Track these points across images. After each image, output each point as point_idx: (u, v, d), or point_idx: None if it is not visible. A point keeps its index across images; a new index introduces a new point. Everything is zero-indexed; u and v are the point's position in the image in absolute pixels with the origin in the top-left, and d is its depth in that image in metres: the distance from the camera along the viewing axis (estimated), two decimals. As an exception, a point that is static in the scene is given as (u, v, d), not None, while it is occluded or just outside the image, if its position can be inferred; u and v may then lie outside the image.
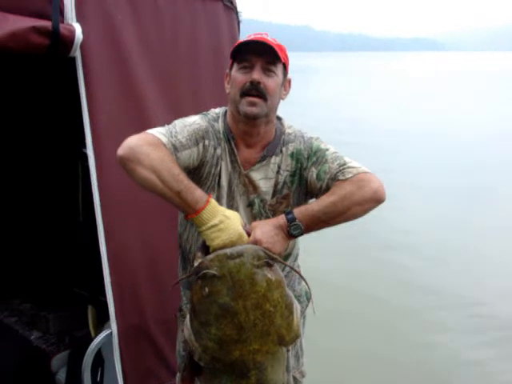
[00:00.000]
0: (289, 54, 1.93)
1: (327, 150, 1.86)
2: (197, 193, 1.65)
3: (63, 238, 3.60)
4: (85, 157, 3.46)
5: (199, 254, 1.65)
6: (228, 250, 1.56)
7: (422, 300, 5.11)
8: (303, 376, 2.17)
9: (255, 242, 1.64)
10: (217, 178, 1.87)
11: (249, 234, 1.68)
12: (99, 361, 2.54)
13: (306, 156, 1.88)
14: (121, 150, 1.64)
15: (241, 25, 3.09)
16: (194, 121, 1.86)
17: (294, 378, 2.08)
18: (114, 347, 2.38)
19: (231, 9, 2.86)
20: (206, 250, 1.65)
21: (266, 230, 1.69)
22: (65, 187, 3.66)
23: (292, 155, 1.89)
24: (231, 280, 1.53)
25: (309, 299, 2.09)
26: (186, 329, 1.63)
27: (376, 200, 1.73)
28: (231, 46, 2.83)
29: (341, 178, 1.75)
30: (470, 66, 72.08)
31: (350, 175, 1.74)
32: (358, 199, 1.71)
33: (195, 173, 1.83)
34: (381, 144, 12.62)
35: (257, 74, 1.78)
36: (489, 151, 12.42)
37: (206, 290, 1.53)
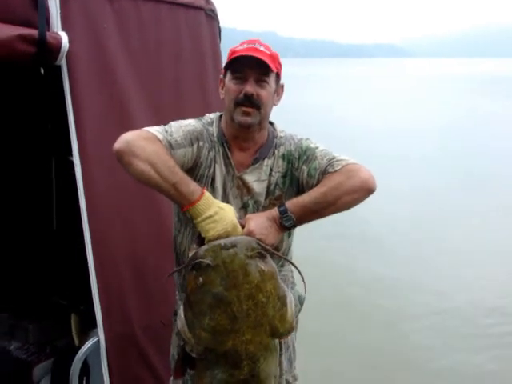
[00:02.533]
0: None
1: (317, 148, 1.93)
2: (192, 185, 1.70)
3: (38, 246, 3.56)
4: (62, 165, 3.47)
5: (194, 245, 1.69)
6: (222, 241, 1.60)
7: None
8: (296, 379, 2.18)
9: (249, 234, 1.69)
10: (210, 180, 1.92)
11: (243, 226, 1.72)
12: (84, 369, 2.53)
13: (296, 156, 1.94)
14: (117, 144, 1.68)
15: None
16: (189, 123, 1.92)
17: (287, 381, 2.09)
18: (101, 355, 2.37)
19: (212, 17, 2.90)
20: (200, 241, 1.69)
21: (260, 221, 1.73)
22: (38, 195, 3.63)
23: (283, 157, 1.95)
24: (225, 270, 1.56)
25: (302, 303, 2.12)
26: (179, 320, 1.65)
27: (366, 189, 1.78)
28: (213, 53, 2.91)
29: (330, 170, 1.81)
30: (433, 72, 73.97)
31: (339, 167, 1.80)
32: (348, 189, 1.76)
33: (189, 174, 1.85)
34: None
35: (250, 87, 1.84)
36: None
37: (200, 279, 1.56)
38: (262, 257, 1.61)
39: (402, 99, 27.45)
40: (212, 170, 1.92)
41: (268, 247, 1.66)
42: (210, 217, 1.67)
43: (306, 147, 1.94)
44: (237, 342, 1.57)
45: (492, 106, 24.73)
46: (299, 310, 2.13)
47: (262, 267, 1.59)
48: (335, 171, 1.80)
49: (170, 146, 1.77)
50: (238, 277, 1.56)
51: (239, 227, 1.70)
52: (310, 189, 1.87)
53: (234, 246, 1.58)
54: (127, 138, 1.68)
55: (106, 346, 2.38)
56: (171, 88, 2.70)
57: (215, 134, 1.95)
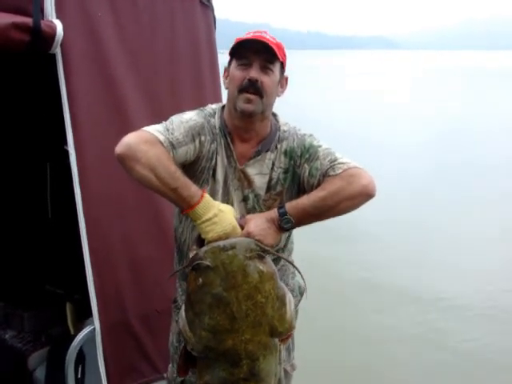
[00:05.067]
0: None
1: (319, 146, 1.91)
2: (192, 188, 1.70)
3: (33, 235, 3.56)
4: (54, 155, 3.46)
5: (194, 246, 1.71)
6: (221, 243, 1.62)
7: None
8: (294, 369, 2.21)
9: (248, 235, 1.70)
10: (211, 172, 1.91)
11: (242, 227, 1.73)
12: (80, 357, 2.54)
13: (299, 153, 1.92)
14: (119, 148, 1.67)
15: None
16: (191, 117, 1.89)
17: (285, 370, 2.11)
18: (96, 343, 2.38)
19: (207, 6, 2.88)
20: (200, 242, 1.71)
21: (259, 222, 1.74)
22: (33, 185, 3.63)
23: (286, 153, 1.93)
24: (224, 271, 1.58)
25: (302, 294, 2.15)
26: (180, 319, 1.68)
27: (366, 195, 1.78)
28: (208, 41, 2.90)
29: (331, 173, 1.80)
30: (427, 64, 74.06)
31: (340, 171, 1.79)
32: (348, 194, 1.76)
33: (190, 166, 1.87)
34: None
35: (255, 73, 1.82)
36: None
37: (200, 280, 1.59)
38: (260, 258, 1.63)
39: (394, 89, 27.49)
40: (213, 161, 1.91)
41: (267, 248, 1.67)
42: (210, 219, 1.68)
43: (308, 145, 1.92)
44: (236, 341, 1.59)
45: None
46: (299, 301, 2.15)
47: (261, 268, 1.61)
48: (336, 175, 1.79)
49: (172, 146, 1.76)
50: (237, 277, 1.58)
51: (238, 228, 1.72)
52: (310, 187, 1.87)
53: (233, 247, 1.60)
54: (129, 142, 1.67)
55: (102, 335, 2.39)
56: (166, 76, 2.69)
57: (217, 126, 1.93)
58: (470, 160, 11.28)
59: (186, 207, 1.69)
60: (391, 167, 10.01)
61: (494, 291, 5.45)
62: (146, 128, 1.77)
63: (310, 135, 1.97)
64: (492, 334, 4.62)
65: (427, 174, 10.08)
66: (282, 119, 2.02)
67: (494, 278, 5.76)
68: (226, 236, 1.67)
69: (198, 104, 2.08)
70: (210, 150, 1.90)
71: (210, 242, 1.66)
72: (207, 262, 1.58)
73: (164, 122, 1.84)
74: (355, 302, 5.12)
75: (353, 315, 4.87)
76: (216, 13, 3.04)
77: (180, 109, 2.00)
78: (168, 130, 1.79)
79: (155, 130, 1.77)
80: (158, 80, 2.65)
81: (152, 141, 1.71)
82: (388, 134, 14.73)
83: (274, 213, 1.78)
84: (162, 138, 1.74)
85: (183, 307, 1.69)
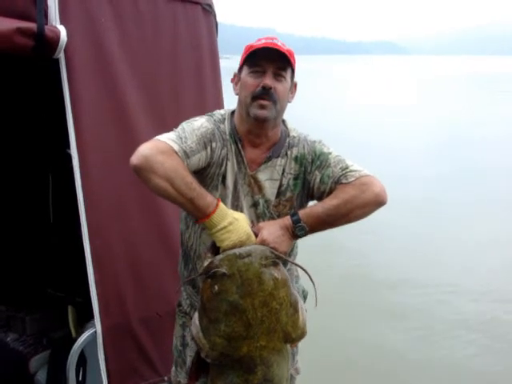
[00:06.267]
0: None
1: (330, 153, 1.93)
2: (208, 198, 1.72)
3: (35, 239, 3.58)
4: (58, 157, 3.48)
5: (209, 254, 1.72)
6: (237, 250, 1.64)
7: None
8: (298, 373, 2.22)
9: (262, 242, 1.72)
10: (220, 178, 1.91)
11: (256, 235, 1.75)
12: (81, 360, 2.55)
13: (309, 160, 1.93)
14: (135, 159, 1.67)
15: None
16: (201, 124, 1.89)
17: (289, 374, 2.12)
18: (98, 346, 2.40)
19: (209, 12, 2.90)
20: (215, 250, 1.72)
21: (273, 230, 1.76)
22: (35, 189, 3.65)
23: (296, 159, 1.95)
24: (240, 279, 1.60)
25: (305, 297, 2.16)
26: (193, 326, 1.69)
27: (378, 203, 1.82)
28: (210, 47, 2.92)
29: (343, 181, 1.83)
30: (432, 70, 74.22)
31: (352, 179, 1.82)
32: (360, 202, 1.79)
33: (200, 172, 1.87)
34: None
35: (269, 80, 1.83)
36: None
37: (216, 288, 1.60)
38: (275, 265, 1.65)
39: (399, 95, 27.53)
40: (223, 167, 1.91)
41: (281, 255, 1.70)
42: (225, 227, 1.70)
43: (319, 152, 1.93)
44: (251, 347, 1.61)
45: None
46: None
47: (276, 275, 1.63)
48: (348, 183, 1.82)
49: (186, 155, 1.76)
50: (253, 285, 1.60)
51: (253, 236, 1.74)
52: (320, 194, 1.89)
53: (248, 255, 1.62)
54: (145, 153, 1.67)
55: (103, 338, 2.41)
56: (168, 82, 2.69)
57: (227, 132, 1.93)
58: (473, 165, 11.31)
59: (201, 216, 1.71)
60: (394, 172, 10.00)
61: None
62: (160, 137, 1.76)
63: (320, 142, 1.99)
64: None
65: (432, 178, 10.09)
66: (290, 125, 2.03)
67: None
68: (241, 244, 1.69)
69: (199, 108, 2.10)
70: (220, 156, 1.90)
71: (225, 250, 1.68)
72: (224, 270, 1.60)
73: (176, 130, 1.84)
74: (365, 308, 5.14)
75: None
76: (222, 18, 3.07)
77: (182, 114, 2.02)
78: (181, 138, 1.79)
79: (169, 139, 1.76)
80: (160, 85, 2.66)
81: (168, 151, 1.71)
82: (390, 138, 14.75)
83: (287, 220, 1.80)
84: (176, 147, 1.74)
85: (196, 315, 1.70)
